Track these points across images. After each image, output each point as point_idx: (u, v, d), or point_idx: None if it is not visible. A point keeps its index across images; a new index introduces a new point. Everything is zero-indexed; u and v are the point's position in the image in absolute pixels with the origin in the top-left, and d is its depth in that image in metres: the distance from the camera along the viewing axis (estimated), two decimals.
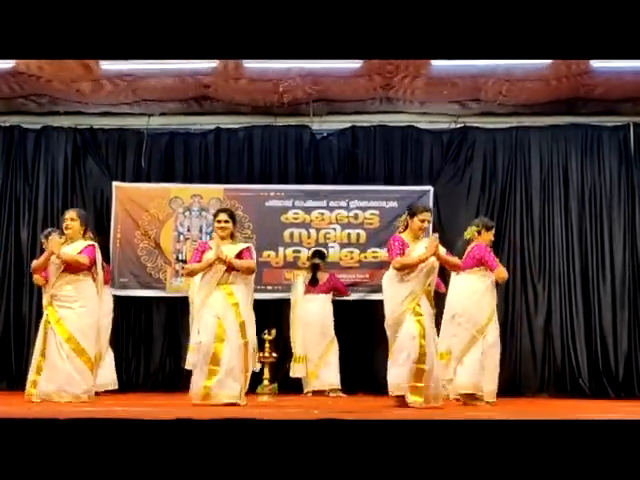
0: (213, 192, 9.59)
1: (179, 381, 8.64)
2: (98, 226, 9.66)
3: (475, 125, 9.68)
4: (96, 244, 6.73)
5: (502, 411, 5.40)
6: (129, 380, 9.36)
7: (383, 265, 9.40)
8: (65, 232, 6.66)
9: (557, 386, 9.09)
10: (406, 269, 6.05)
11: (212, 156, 9.79)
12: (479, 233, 7.20)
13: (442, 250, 6.18)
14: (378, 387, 9.16)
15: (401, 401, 5.97)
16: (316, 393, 8.62)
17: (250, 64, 8.35)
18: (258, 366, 7.19)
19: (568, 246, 9.37)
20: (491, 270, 7.05)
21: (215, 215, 6.55)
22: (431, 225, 7.59)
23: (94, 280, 6.65)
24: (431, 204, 9.24)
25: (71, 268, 6.49)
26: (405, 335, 5.98)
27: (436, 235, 6.20)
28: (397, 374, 6.00)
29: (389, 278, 6.23)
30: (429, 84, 8.83)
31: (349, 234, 9.55)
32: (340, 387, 8.74)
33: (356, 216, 9.56)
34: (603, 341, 9.13)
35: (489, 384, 7.00)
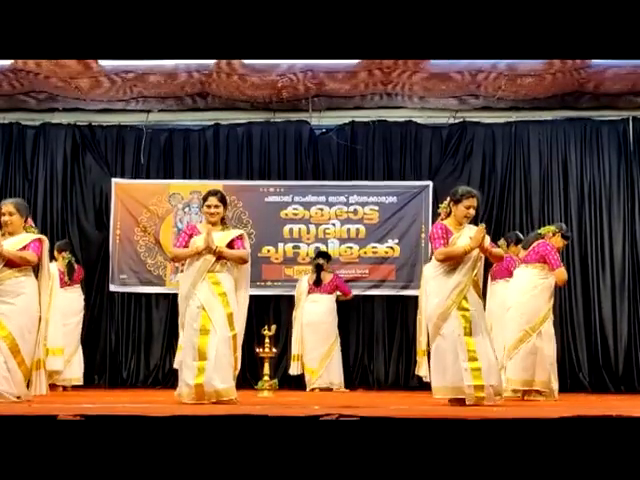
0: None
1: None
2: (97, 223, 9.70)
3: (474, 120, 9.65)
4: (43, 237, 6.09)
5: (502, 410, 5.39)
6: (129, 376, 9.40)
7: (382, 260, 9.47)
8: (4, 228, 5.99)
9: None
10: (450, 260, 5.61)
11: (211, 152, 9.77)
12: (554, 234, 7.12)
13: (487, 240, 5.71)
14: (378, 383, 9.26)
15: (456, 403, 5.51)
16: (322, 390, 8.62)
17: (249, 60, 8.34)
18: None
19: None
20: (552, 269, 6.92)
21: (204, 199, 5.92)
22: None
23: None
24: (430, 199, 9.25)
25: (13, 263, 5.86)
26: (450, 333, 5.53)
27: (483, 225, 5.70)
28: (446, 376, 5.53)
29: (433, 270, 5.79)
30: (428, 79, 8.81)
31: (348, 229, 9.55)
32: (343, 385, 8.79)
33: (355, 211, 9.56)
34: (603, 336, 9.14)
35: (553, 382, 6.87)
